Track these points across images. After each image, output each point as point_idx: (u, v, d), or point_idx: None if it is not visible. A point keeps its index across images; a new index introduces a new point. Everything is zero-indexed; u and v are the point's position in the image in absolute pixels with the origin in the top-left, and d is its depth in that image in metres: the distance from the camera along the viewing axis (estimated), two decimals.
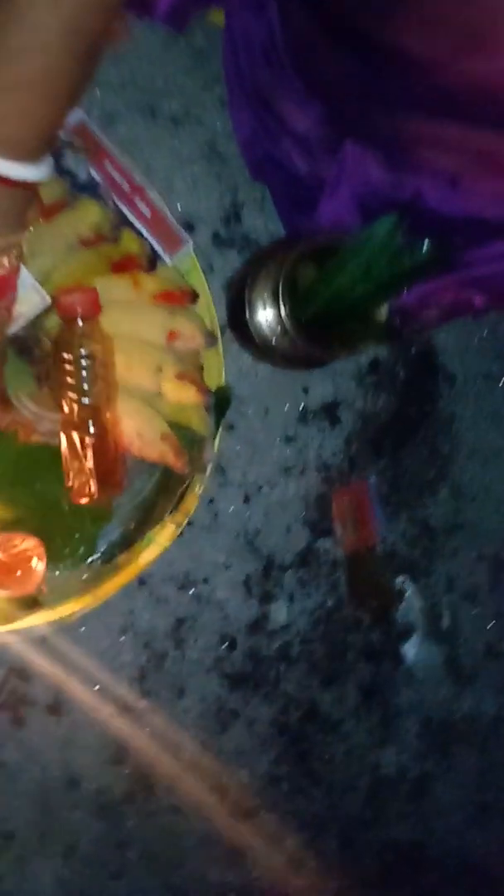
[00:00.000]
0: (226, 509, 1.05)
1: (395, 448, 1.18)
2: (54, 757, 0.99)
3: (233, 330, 1.01)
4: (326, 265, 0.96)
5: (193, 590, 1.03)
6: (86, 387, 0.76)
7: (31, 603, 0.86)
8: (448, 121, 0.78)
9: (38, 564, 0.81)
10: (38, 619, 0.87)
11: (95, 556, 0.87)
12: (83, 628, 0.98)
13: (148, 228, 0.90)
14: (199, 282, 0.94)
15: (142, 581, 1.00)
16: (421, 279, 0.93)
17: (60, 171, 0.86)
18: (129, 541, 0.92)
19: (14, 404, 0.82)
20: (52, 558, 0.84)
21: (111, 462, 0.78)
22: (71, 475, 0.78)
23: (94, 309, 0.76)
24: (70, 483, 0.78)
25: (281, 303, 0.95)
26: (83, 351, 0.75)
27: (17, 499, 0.85)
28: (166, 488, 0.93)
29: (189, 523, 1.01)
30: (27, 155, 0.61)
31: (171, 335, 0.85)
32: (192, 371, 0.88)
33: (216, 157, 1.03)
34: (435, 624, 1.22)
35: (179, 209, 1.01)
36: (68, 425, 0.77)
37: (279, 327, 0.96)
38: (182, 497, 0.93)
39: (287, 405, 1.09)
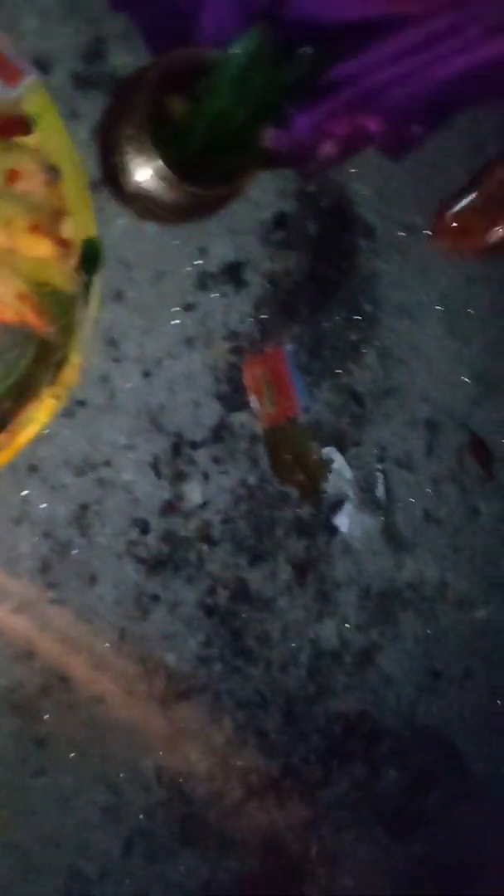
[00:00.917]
0: (122, 387, 0.91)
1: (311, 311, 1.03)
2: None
3: (107, 184, 0.86)
4: (197, 91, 0.80)
5: (94, 474, 0.91)
6: None
7: None
8: None
9: None
10: None
11: None
12: None
13: None
14: (52, 123, 0.78)
15: (32, 467, 0.87)
16: (301, 97, 0.77)
17: None
18: (3, 421, 0.79)
19: None
20: None
21: None
22: None
23: None
24: None
25: (151, 139, 0.79)
26: None
27: None
28: (42, 360, 0.80)
29: (81, 404, 0.88)
30: None
31: (11, 175, 0.70)
32: (46, 221, 0.74)
33: None
34: (369, 494, 1.09)
35: (28, 47, 0.83)
36: None
37: (154, 172, 0.81)
38: (60, 367, 0.80)
39: (183, 269, 0.94)
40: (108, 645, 0.92)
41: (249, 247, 0.97)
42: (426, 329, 1.11)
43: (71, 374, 0.80)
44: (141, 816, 0.95)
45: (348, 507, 1.06)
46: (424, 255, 1.09)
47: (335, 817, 1.08)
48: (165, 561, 0.94)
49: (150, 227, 0.89)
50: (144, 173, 0.81)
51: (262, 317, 0.98)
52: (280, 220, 0.99)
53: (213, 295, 0.95)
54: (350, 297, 1.05)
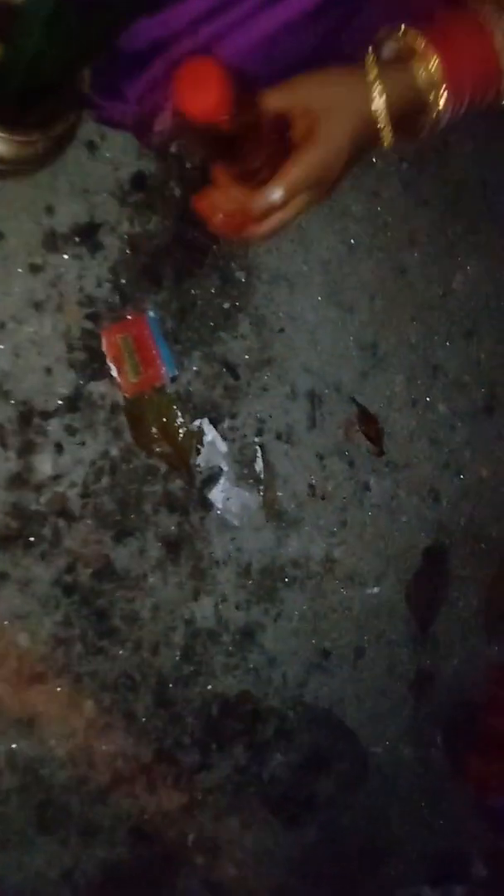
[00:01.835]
0: None
1: (177, 277, 0.93)
2: None
3: None
4: (10, 34, 0.71)
5: None
6: None
7: None
8: None
9: None
10: None
11: None
12: None
13: None
14: None
15: None
16: (118, 34, 0.68)
17: None
18: None
19: None
20: None
21: None
22: None
23: None
24: None
25: None
26: None
27: None
28: None
29: None
30: None
31: None
32: None
33: None
34: (246, 468, 1.00)
35: None
36: None
37: None
38: None
39: (27, 228, 0.84)
40: None
41: (106, 208, 0.86)
42: (307, 298, 1.01)
43: None
44: None
45: (223, 482, 0.96)
46: (301, 221, 0.99)
47: (215, 803, 0.98)
48: (14, 536, 0.84)
49: None
50: None
51: (122, 281, 0.88)
52: (139, 181, 0.89)
53: (64, 257, 0.85)
54: (221, 263, 0.95)
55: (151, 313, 0.89)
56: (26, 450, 0.83)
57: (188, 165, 0.91)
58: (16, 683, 0.84)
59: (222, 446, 0.95)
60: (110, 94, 0.76)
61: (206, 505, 0.95)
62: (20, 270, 0.82)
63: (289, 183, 0.65)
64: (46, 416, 0.84)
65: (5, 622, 0.83)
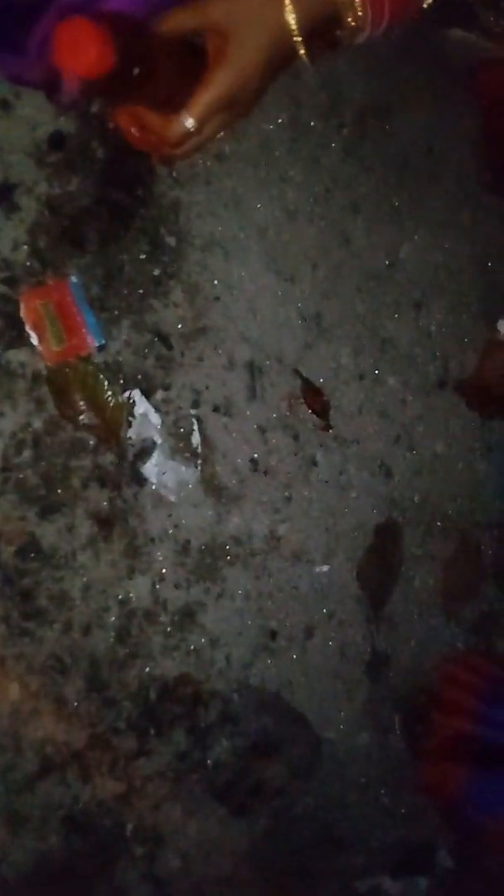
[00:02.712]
0: None
1: (101, 241, 0.87)
2: None
3: None
4: None
5: None
6: None
7: None
8: None
9: None
10: None
11: None
12: None
13: None
14: None
15: None
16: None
17: None
18: None
19: None
20: None
21: None
22: None
23: None
24: None
25: None
26: None
27: None
28: None
29: None
30: None
31: None
32: None
33: None
34: (182, 441, 0.93)
35: None
36: None
37: None
38: None
39: None
40: None
41: (20, 167, 0.81)
42: (244, 266, 0.95)
43: None
44: None
45: (157, 456, 0.90)
46: (237, 185, 0.94)
47: (155, 791, 0.92)
48: None
49: None
50: None
51: (40, 245, 0.82)
52: (58, 141, 0.83)
53: None
54: (149, 227, 0.89)
55: (74, 279, 0.83)
56: None
57: (112, 126, 0.85)
58: None
59: (155, 419, 0.89)
60: (9, 47, 0.70)
61: (140, 480, 0.88)
62: None
63: (200, 108, 0.60)
64: None
65: None
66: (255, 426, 0.95)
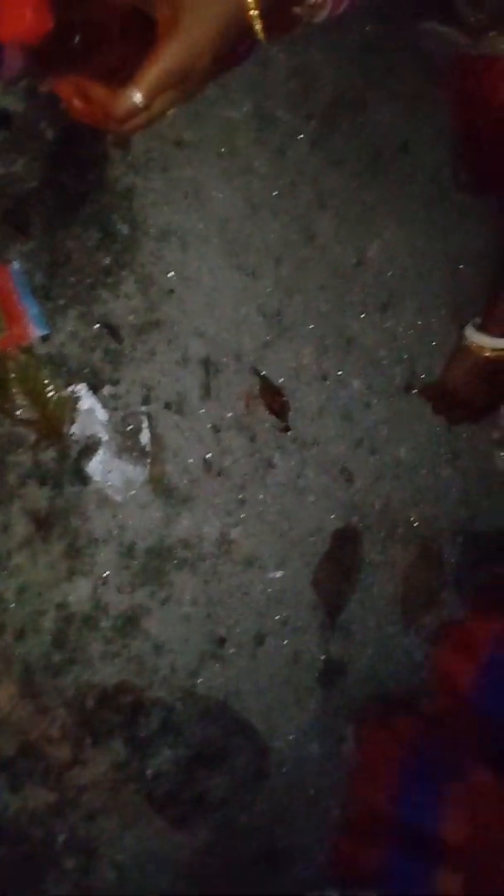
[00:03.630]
0: None
1: (48, 227, 0.81)
2: None
3: None
4: None
5: None
6: None
7: None
8: None
9: None
10: None
11: None
12: None
13: None
14: None
15: None
16: None
17: None
18: None
19: None
20: None
21: None
22: None
23: None
24: None
25: None
26: None
27: None
28: None
29: None
30: None
31: None
32: None
33: None
34: (130, 439, 0.88)
35: None
36: None
37: None
38: None
39: None
40: None
41: None
42: (202, 258, 0.89)
43: None
44: None
45: (103, 454, 0.84)
46: (198, 175, 0.88)
47: (89, 801, 0.86)
48: None
49: None
50: None
51: None
52: (3, 120, 0.77)
53: None
54: (101, 214, 0.82)
55: (16, 265, 0.77)
56: None
57: (62, 106, 0.79)
58: None
59: (102, 414, 0.83)
60: None
61: (83, 478, 0.82)
62: None
63: (149, 83, 0.54)
64: None
65: None
66: (209, 425, 0.89)
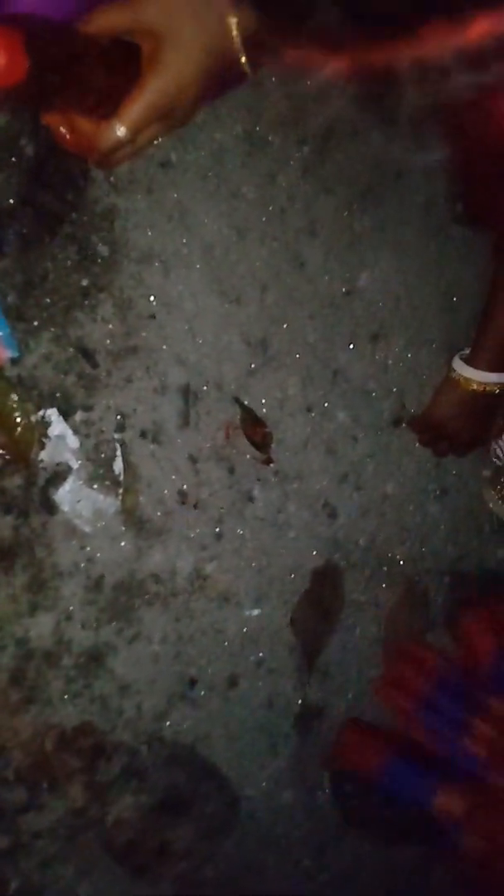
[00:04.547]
0: None
1: (23, 245, 0.78)
2: None
3: None
4: None
5: None
6: None
7: None
8: None
9: None
10: None
11: None
12: None
13: None
14: None
15: None
16: None
17: None
18: None
19: None
20: None
21: None
22: None
23: None
24: None
25: None
26: None
27: None
28: None
29: None
30: None
31: None
32: None
33: None
34: (103, 468, 0.84)
35: None
36: None
37: None
38: None
39: None
40: None
41: None
42: (185, 283, 0.85)
43: None
44: None
45: (72, 482, 0.80)
46: (183, 197, 0.85)
47: (44, 847, 0.81)
48: None
49: None
50: None
51: None
52: None
53: None
54: (80, 234, 0.79)
55: None
56: None
57: (44, 122, 0.76)
58: None
59: (73, 441, 0.79)
60: None
61: (50, 507, 0.78)
62: None
63: (133, 117, 0.53)
64: None
65: None
66: (187, 455, 0.85)
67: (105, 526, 0.80)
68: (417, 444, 1.01)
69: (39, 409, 0.76)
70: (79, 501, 0.79)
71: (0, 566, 0.75)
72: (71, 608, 0.79)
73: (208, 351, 0.86)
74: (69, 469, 0.78)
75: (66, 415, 0.77)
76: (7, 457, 0.74)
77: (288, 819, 0.95)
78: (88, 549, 0.80)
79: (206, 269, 0.85)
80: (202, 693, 0.87)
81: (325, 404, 0.95)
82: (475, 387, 0.93)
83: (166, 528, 0.84)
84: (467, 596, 1.07)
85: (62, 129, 0.57)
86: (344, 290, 0.94)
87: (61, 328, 0.77)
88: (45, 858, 0.79)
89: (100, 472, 0.80)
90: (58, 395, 0.77)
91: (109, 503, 0.80)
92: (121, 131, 0.54)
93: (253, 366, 0.89)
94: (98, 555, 0.80)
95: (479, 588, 1.10)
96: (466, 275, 1.04)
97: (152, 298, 0.82)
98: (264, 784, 0.92)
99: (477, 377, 0.93)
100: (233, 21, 0.53)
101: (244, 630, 0.89)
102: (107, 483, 0.80)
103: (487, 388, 0.93)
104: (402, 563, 1.03)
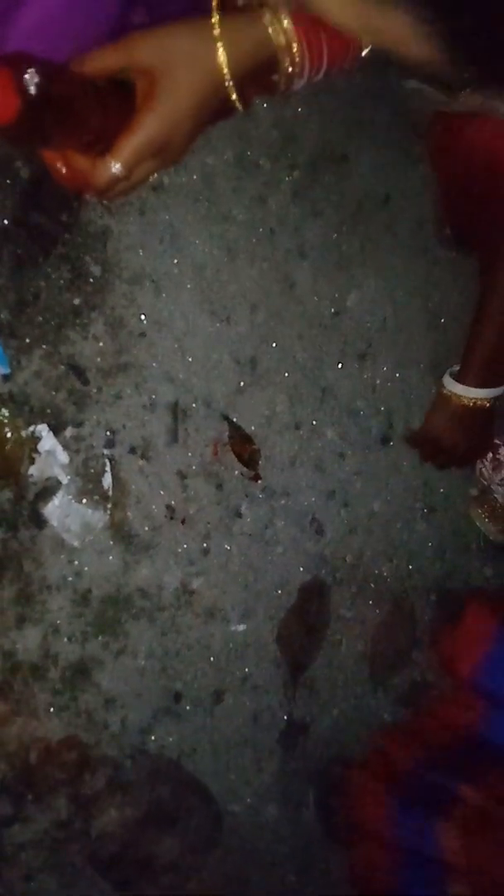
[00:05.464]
0: None
1: (16, 264, 0.79)
2: None
3: None
4: None
5: None
6: None
7: None
8: None
9: None
10: None
11: None
12: None
13: None
14: None
15: None
16: None
17: None
18: None
19: None
20: None
21: None
22: None
23: None
24: None
25: None
26: None
27: None
28: None
29: None
30: None
31: None
32: None
33: None
34: (92, 483, 0.84)
35: None
36: None
37: None
38: None
39: None
40: None
41: None
42: (175, 303, 0.86)
43: None
44: None
45: (61, 497, 0.81)
46: (175, 219, 0.86)
47: (28, 860, 0.80)
48: None
49: None
50: None
51: None
52: None
53: None
54: (73, 254, 0.80)
55: None
56: None
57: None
58: None
59: (62, 457, 0.80)
60: None
61: (39, 521, 0.79)
62: None
63: (128, 154, 0.54)
64: None
65: None
66: (175, 471, 0.86)
67: (93, 540, 0.81)
68: (420, 460, 1.02)
69: (30, 425, 0.77)
70: (67, 516, 0.79)
71: None
72: (58, 622, 0.79)
73: (198, 369, 0.87)
74: (58, 484, 0.78)
75: (56, 430, 0.78)
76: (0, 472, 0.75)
77: (272, 834, 0.95)
78: (76, 563, 0.80)
79: (196, 289, 0.86)
80: (187, 707, 0.87)
81: (314, 422, 0.96)
82: (466, 402, 0.95)
83: (154, 543, 0.84)
84: (453, 613, 1.08)
85: (58, 165, 0.59)
86: (332, 310, 0.96)
87: (53, 346, 0.78)
88: (29, 871, 0.79)
89: (89, 488, 0.80)
90: (48, 411, 0.78)
91: (98, 518, 0.81)
92: (116, 168, 0.55)
93: (242, 384, 0.90)
94: (86, 569, 0.81)
95: (465, 605, 1.10)
96: (453, 296, 1.05)
97: (143, 317, 0.83)
98: (249, 799, 0.92)
99: (467, 393, 0.94)
100: (224, 60, 0.55)
101: (230, 645, 0.90)
102: (95, 498, 0.81)
103: (477, 403, 0.94)
104: (388, 580, 1.03)
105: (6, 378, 0.76)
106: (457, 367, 0.97)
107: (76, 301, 0.79)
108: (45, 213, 0.76)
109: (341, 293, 0.96)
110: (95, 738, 0.81)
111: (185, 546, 0.86)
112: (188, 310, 0.86)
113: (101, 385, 0.81)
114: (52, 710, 0.79)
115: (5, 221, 0.75)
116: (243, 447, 0.90)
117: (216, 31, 0.55)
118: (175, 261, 0.84)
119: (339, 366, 0.97)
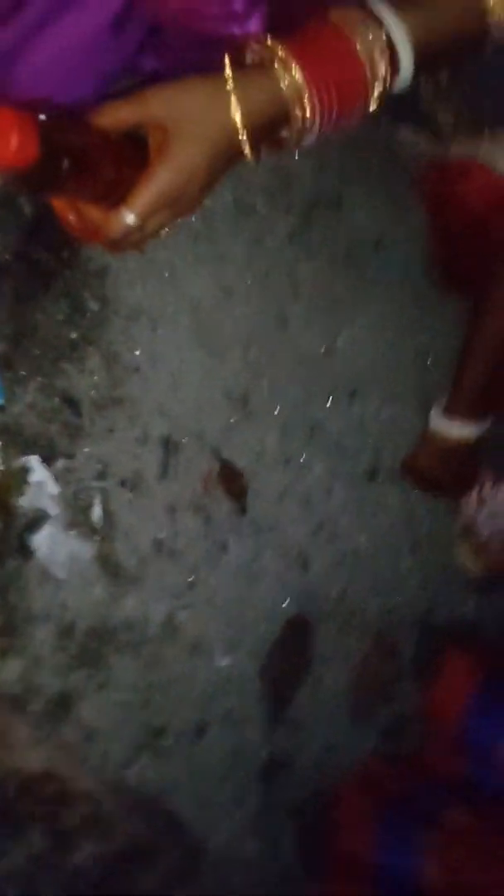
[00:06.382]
0: None
1: (15, 298, 0.79)
2: None
3: None
4: None
5: None
6: None
7: None
8: None
9: None
10: None
11: None
12: None
13: None
14: None
15: None
16: None
17: None
18: None
19: None
20: None
21: None
22: None
23: None
24: None
25: None
26: None
27: None
28: None
29: None
30: None
31: None
32: None
33: None
34: (80, 514, 0.84)
35: None
36: None
37: None
38: None
39: None
40: None
41: None
42: (170, 339, 0.87)
43: None
44: None
45: (50, 528, 0.81)
46: (172, 257, 0.87)
47: (3, 893, 0.79)
48: None
49: None
50: None
51: None
52: None
53: None
54: (72, 290, 0.81)
55: None
56: None
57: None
58: None
59: (53, 488, 0.79)
60: None
61: (26, 552, 0.78)
62: None
63: (142, 205, 0.54)
64: None
65: None
66: (165, 505, 0.86)
67: (80, 572, 0.80)
68: (393, 499, 1.03)
69: (22, 456, 0.77)
70: (55, 547, 0.79)
71: None
72: (41, 653, 0.78)
73: (190, 404, 0.87)
74: (47, 515, 0.78)
75: (47, 462, 0.78)
76: None
77: (251, 870, 0.94)
78: (62, 594, 0.80)
79: (191, 326, 0.87)
80: (169, 742, 0.86)
81: (303, 458, 0.96)
82: (449, 439, 0.96)
83: (140, 575, 0.84)
84: (436, 650, 1.08)
85: (71, 216, 0.59)
86: (324, 348, 0.97)
87: (48, 378, 0.78)
88: None
89: (78, 519, 0.80)
90: (41, 442, 0.78)
91: (85, 550, 0.81)
92: (130, 219, 0.56)
93: (233, 420, 0.90)
94: (71, 600, 0.80)
95: (449, 639, 1.11)
96: (441, 337, 1.07)
97: (138, 352, 0.83)
98: (228, 834, 0.91)
99: (450, 430, 0.96)
100: (237, 113, 0.56)
101: (214, 679, 0.89)
102: (84, 530, 0.80)
103: (461, 441, 0.96)
104: (373, 614, 1.03)
105: (1, 409, 0.76)
106: (444, 400, 0.99)
107: (73, 335, 0.80)
108: (46, 250, 0.77)
109: (332, 332, 0.97)
110: (74, 772, 0.80)
111: (171, 579, 0.86)
112: (183, 346, 0.86)
113: (94, 418, 0.81)
114: (31, 742, 0.78)
115: (7, 256, 0.76)
116: (232, 482, 0.90)
117: (229, 85, 0.57)
118: (171, 298, 0.85)
119: (329, 402, 0.98)
